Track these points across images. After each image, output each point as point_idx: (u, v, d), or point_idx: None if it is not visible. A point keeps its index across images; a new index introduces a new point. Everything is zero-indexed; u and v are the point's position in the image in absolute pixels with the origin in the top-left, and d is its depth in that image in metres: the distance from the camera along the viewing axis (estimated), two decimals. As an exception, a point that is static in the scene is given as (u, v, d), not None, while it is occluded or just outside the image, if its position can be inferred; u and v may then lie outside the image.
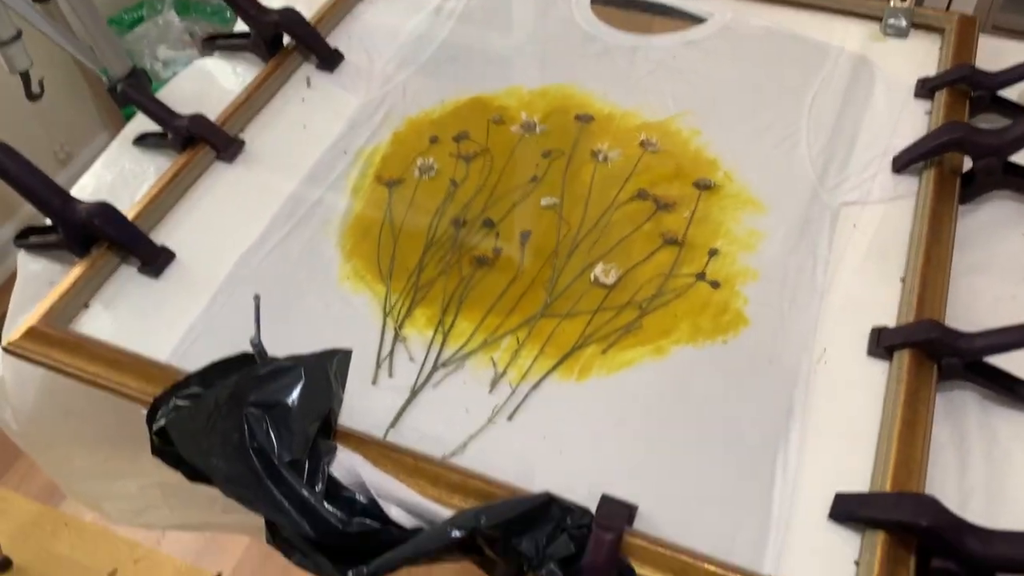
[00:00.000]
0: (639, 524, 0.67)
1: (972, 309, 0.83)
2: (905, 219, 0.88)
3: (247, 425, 0.65)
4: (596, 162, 0.96)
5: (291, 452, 0.65)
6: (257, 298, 0.70)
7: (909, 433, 0.70)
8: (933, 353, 0.75)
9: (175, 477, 0.70)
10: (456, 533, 0.62)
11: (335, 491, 0.68)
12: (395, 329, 0.81)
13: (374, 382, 0.77)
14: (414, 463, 0.70)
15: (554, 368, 0.78)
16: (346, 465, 0.69)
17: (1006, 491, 0.70)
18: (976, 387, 0.77)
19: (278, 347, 0.74)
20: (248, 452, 0.64)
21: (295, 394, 0.67)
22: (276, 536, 0.64)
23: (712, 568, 0.63)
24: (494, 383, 0.77)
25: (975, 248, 0.87)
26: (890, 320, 0.79)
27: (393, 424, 0.74)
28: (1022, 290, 0.84)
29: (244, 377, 0.68)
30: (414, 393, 0.76)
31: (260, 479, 0.64)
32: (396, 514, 0.67)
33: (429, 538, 0.62)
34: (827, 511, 0.68)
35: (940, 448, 0.73)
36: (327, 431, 0.69)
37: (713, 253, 0.86)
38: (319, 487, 0.66)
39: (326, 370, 0.69)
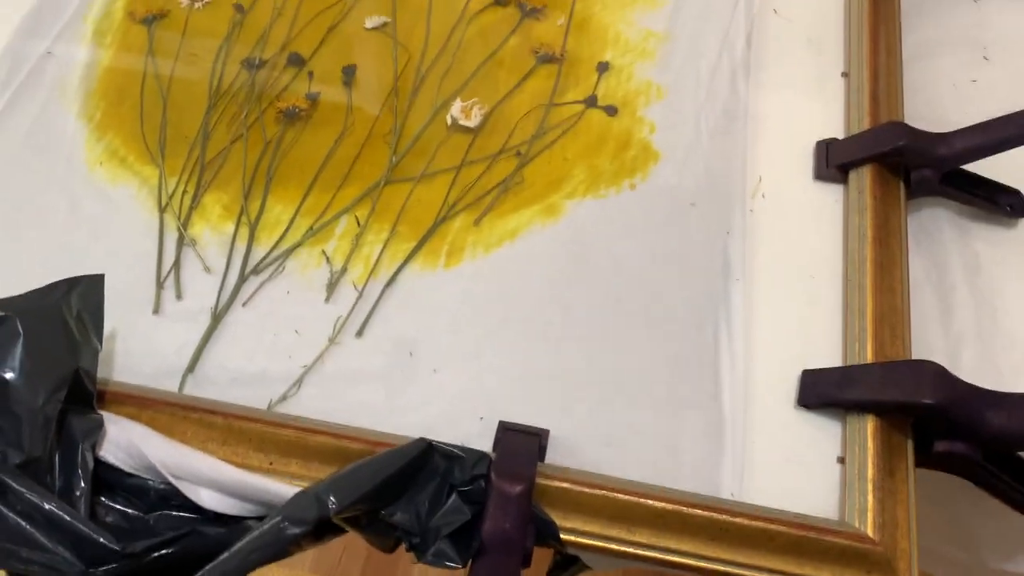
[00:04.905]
0: (554, 455, 0.49)
1: (929, 104, 0.65)
2: (838, -5, 0.68)
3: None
4: (433, -40, 0.71)
5: (21, 449, 0.42)
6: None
7: (885, 277, 0.53)
8: (900, 166, 0.58)
9: None
10: (294, 530, 0.42)
11: (114, 484, 0.46)
12: (178, 229, 0.57)
13: (156, 310, 0.54)
14: (226, 422, 0.48)
15: (412, 254, 0.56)
16: (124, 442, 0.47)
17: (1001, 330, 0.56)
18: (948, 204, 0.60)
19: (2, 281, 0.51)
20: (-51, 462, 0.41)
21: (14, 359, 0.43)
22: (20, 580, 0.43)
23: (658, 504, 0.46)
24: (331, 287, 0.55)
25: (920, 24, 0.69)
26: (837, 130, 0.61)
27: (191, 368, 0.52)
28: (984, 71, 0.67)
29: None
30: (217, 318, 0.53)
31: (-25, 501, 0.41)
32: (209, 499, 0.47)
33: (254, 545, 0.41)
34: (793, 397, 0.51)
35: (915, 288, 0.57)
36: (83, 399, 0.46)
37: (603, 68, 0.65)
38: (80, 489, 0.44)
39: (60, 312, 0.46)
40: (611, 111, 0.62)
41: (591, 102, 0.63)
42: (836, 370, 0.51)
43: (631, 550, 0.46)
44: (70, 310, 0.46)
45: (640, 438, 0.50)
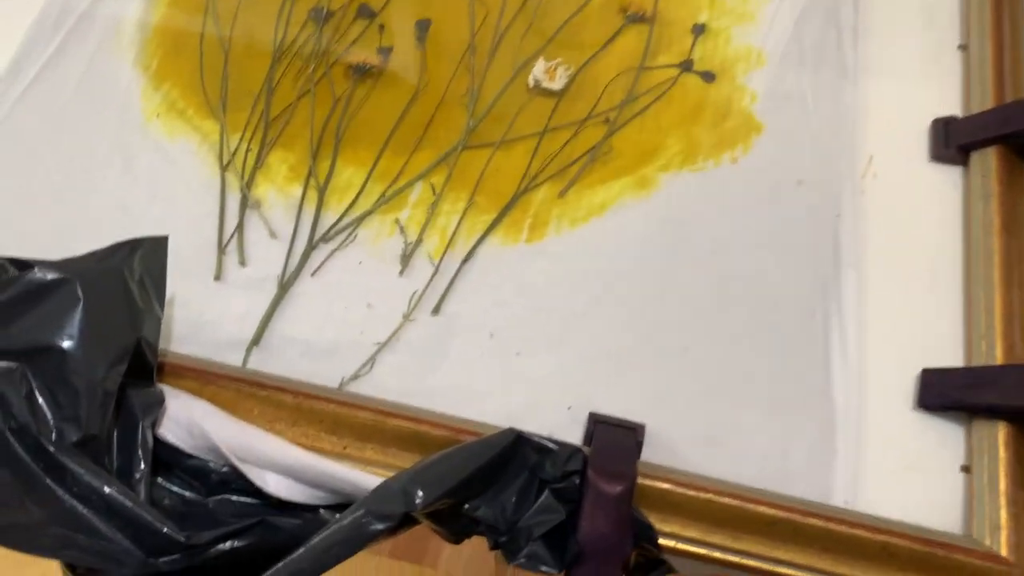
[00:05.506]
0: (647, 451, 0.45)
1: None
2: (952, -39, 0.63)
3: (-10, 392, 0.38)
4: (513, -91, 0.66)
5: (79, 425, 0.38)
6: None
7: (1014, 271, 0.48)
8: (1028, 149, 0.53)
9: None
10: (377, 525, 0.38)
11: (172, 464, 0.43)
12: (242, 190, 0.53)
13: (218, 277, 0.50)
14: (296, 401, 0.44)
15: (492, 227, 0.52)
16: (184, 420, 0.43)
17: None
18: (1073, 191, 0.55)
19: (50, 242, 0.47)
20: (3, 439, 0.38)
21: (72, 327, 0.39)
22: (78, 569, 0.39)
23: (768, 511, 0.42)
24: (406, 259, 0.51)
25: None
26: (954, 107, 0.56)
27: (256, 340, 0.48)
28: (1112, 49, 0.61)
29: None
30: (284, 287, 0.49)
31: (29, 481, 0.37)
32: (276, 485, 0.43)
33: (332, 540, 0.38)
34: (911, 397, 0.47)
35: (1039, 283, 0.52)
36: (143, 372, 0.42)
37: (699, 31, 0.60)
38: (139, 471, 0.40)
39: (122, 276, 0.41)
40: (708, 77, 0.57)
41: (687, 66, 0.58)
42: (962, 371, 0.46)
43: (735, 559, 0.42)
44: (132, 274, 0.42)
45: (743, 436, 0.46)
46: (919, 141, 0.55)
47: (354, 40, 0.59)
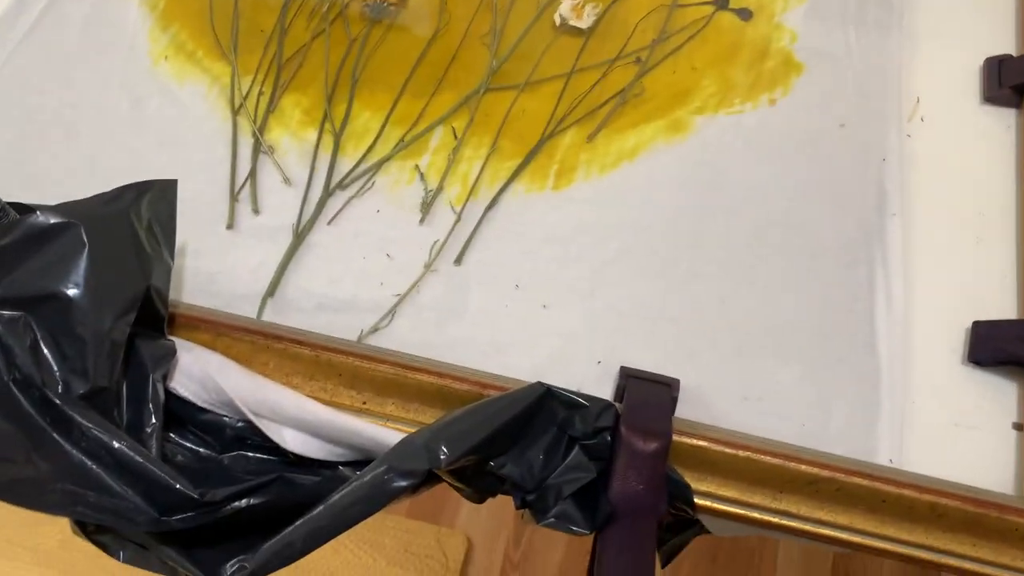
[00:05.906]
0: (680, 407, 0.43)
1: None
2: None
3: (-8, 343, 0.36)
4: None
5: (86, 377, 0.37)
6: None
7: (1073, 218, 0.46)
8: (1089, 89, 0.49)
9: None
10: (400, 483, 0.36)
11: (185, 419, 0.41)
12: (254, 134, 0.50)
13: (230, 226, 0.48)
14: (313, 354, 0.42)
15: (517, 173, 0.49)
16: (198, 373, 0.41)
17: None
18: None
19: (54, 187, 0.45)
20: (7, 391, 0.36)
21: (78, 274, 0.37)
22: (88, 527, 0.37)
23: (810, 470, 0.40)
24: (426, 207, 0.48)
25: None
26: (1008, 46, 0.53)
27: (271, 291, 0.46)
28: None
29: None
30: (299, 236, 0.47)
31: (34, 435, 0.36)
32: (293, 441, 0.41)
33: (353, 498, 0.36)
34: (961, 352, 0.44)
35: (1096, 232, 0.49)
36: (153, 323, 0.40)
37: (734, -34, 0.56)
38: (150, 425, 0.38)
39: (129, 220, 0.39)
40: (744, 15, 0.54)
41: (722, 4, 0.55)
42: (1016, 323, 0.44)
43: (774, 519, 0.40)
44: (140, 219, 0.40)
45: (782, 391, 0.44)
46: (970, 81, 0.52)
47: (370, -23, 0.56)
